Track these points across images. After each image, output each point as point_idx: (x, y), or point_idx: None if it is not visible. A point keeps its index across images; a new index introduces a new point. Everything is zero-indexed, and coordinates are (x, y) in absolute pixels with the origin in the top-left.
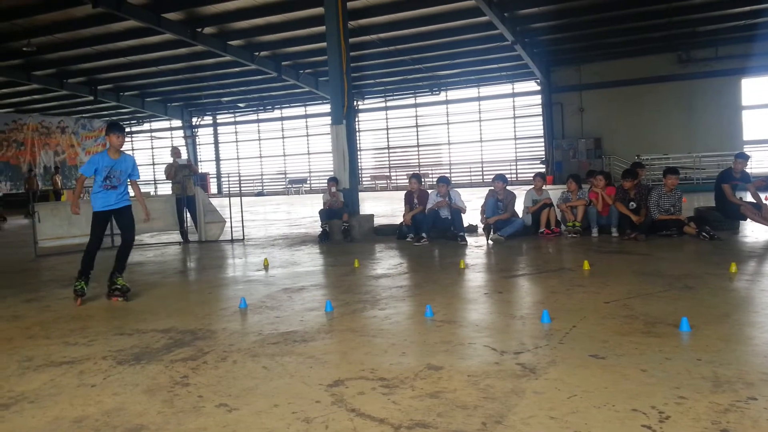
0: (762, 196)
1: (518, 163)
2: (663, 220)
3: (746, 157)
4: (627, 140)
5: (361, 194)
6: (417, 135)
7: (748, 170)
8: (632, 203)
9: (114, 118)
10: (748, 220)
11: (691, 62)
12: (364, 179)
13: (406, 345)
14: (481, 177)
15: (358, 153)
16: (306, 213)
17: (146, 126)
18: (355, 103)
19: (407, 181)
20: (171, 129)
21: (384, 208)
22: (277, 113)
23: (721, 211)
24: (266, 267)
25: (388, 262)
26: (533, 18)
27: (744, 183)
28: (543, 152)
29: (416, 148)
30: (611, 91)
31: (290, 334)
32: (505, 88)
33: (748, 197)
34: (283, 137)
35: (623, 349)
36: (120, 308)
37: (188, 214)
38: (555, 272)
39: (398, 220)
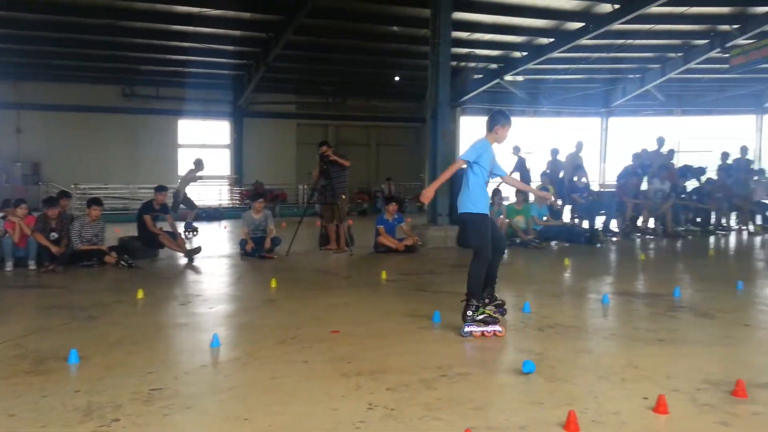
0: (182, 225)
1: None
2: (84, 250)
3: (165, 190)
4: (69, 167)
5: None
6: None
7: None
8: (54, 233)
9: None
10: (166, 248)
11: (135, 97)
12: None
13: None
14: None
15: None
16: None
17: None
18: None
19: None
20: None
21: None
22: None
23: (142, 240)
24: None
25: None
26: None
27: (163, 214)
28: None
29: None
30: (55, 115)
31: None
32: None
33: (167, 227)
34: None
35: None
36: None
37: None
38: None
39: None
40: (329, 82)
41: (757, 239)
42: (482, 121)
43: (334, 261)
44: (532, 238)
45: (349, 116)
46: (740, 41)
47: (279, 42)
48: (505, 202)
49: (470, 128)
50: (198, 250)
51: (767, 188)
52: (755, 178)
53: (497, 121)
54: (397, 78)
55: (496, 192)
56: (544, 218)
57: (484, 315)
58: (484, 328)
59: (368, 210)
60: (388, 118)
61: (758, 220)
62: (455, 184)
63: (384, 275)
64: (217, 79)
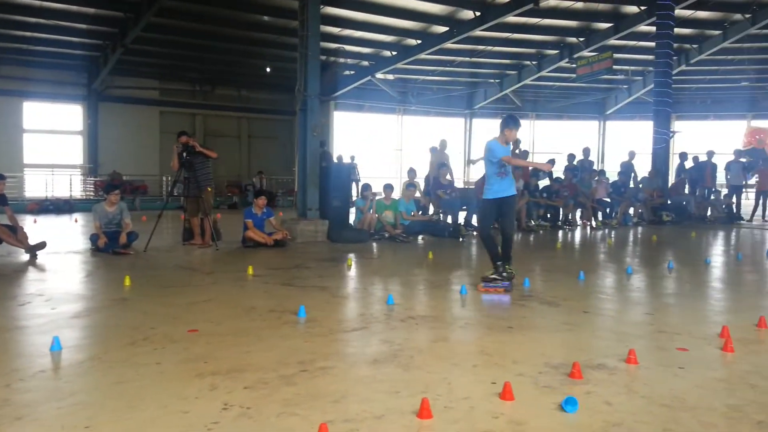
0: (34, 219)
1: None
2: None
3: (3, 178)
4: None
5: None
6: None
7: None
8: None
9: None
10: (4, 243)
11: None
12: None
13: None
14: None
15: None
16: None
17: None
18: None
19: None
20: None
21: None
22: None
23: None
24: None
25: None
26: None
27: (2, 205)
28: None
29: None
30: None
31: None
32: None
33: (5, 219)
34: None
35: None
36: None
37: None
38: None
39: None
40: (196, 69)
41: (598, 234)
42: (355, 116)
43: (198, 257)
44: (400, 232)
45: (219, 106)
46: (586, 53)
47: (138, 23)
48: (378, 197)
49: (344, 123)
50: (42, 245)
51: (607, 187)
52: (596, 178)
53: (507, 125)
54: (268, 69)
55: (366, 187)
56: (412, 213)
57: (494, 277)
58: (489, 285)
59: (238, 203)
60: (260, 109)
61: (599, 216)
62: (324, 180)
63: (250, 270)
64: (69, 59)
